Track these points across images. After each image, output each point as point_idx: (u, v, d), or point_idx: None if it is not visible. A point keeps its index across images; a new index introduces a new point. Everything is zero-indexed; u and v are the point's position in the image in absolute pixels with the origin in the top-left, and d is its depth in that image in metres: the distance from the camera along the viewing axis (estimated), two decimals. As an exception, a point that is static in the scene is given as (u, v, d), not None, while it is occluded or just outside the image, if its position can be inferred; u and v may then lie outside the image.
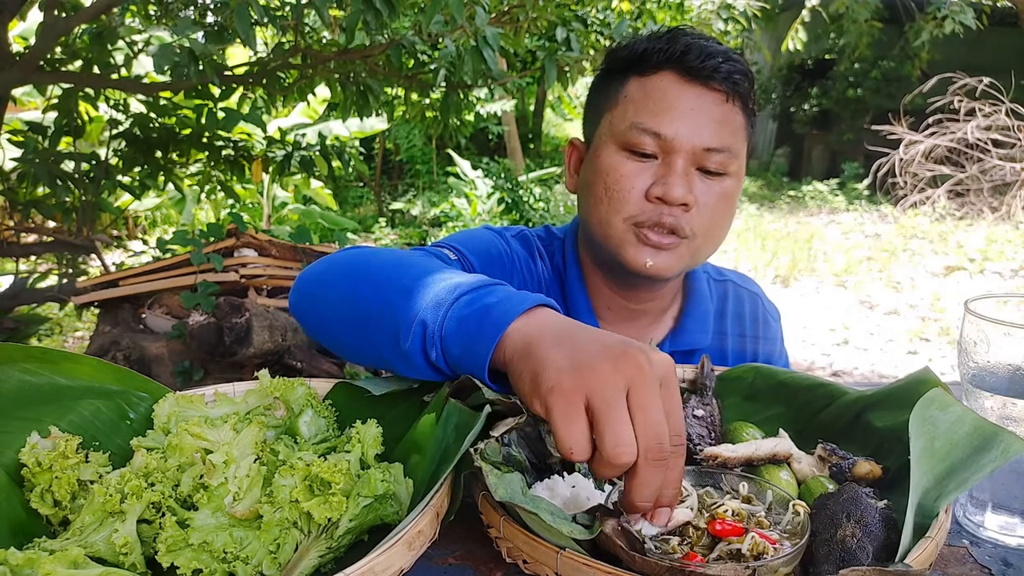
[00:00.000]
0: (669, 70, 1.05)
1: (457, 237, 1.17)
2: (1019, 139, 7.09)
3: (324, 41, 3.42)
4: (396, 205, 9.43)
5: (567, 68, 3.08)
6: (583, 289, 1.20)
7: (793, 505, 0.65)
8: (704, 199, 1.05)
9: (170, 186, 3.67)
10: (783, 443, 0.78)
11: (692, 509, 0.64)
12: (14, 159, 3.05)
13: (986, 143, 7.30)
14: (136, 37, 3.39)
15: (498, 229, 1.23)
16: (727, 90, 1.05)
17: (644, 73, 1.07)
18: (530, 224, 6.63)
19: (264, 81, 2.98)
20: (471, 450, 0.63)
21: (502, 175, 7.88)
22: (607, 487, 0.70)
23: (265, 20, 2.42)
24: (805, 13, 8.60)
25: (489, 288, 0.74)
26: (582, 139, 1.20)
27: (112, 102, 3.40)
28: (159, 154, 3.37)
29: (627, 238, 1.06)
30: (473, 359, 0.70)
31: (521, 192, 7.65)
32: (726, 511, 0.64)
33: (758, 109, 1.16)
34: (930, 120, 7.59)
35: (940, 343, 5.12)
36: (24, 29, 4.41)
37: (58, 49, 2.97)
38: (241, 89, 3.15)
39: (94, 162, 3.34)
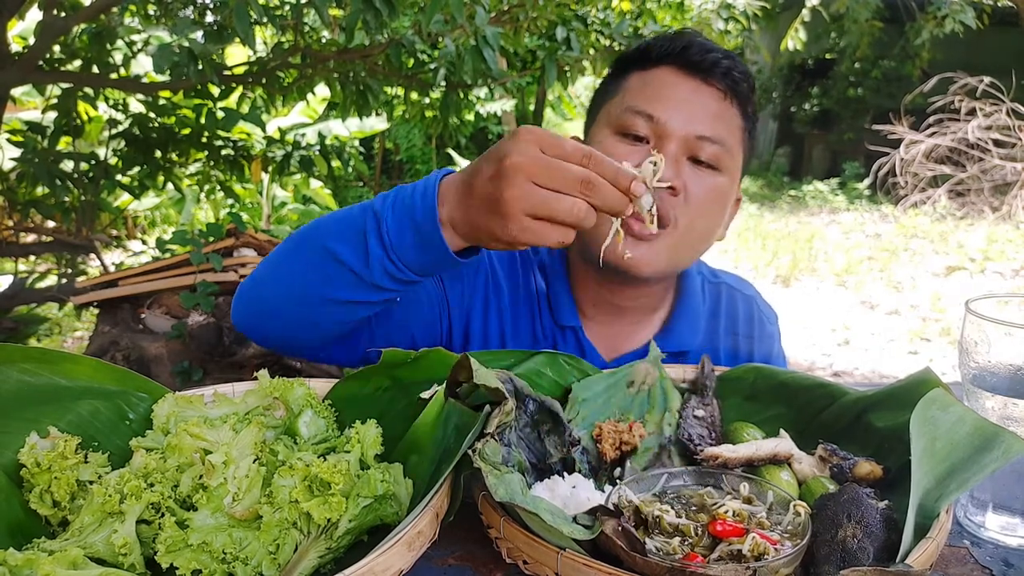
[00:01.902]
0: (669, 64, 1.06)
1: None
2: (1020, 139, 7.10)
3: (324, 40, 3.41)
4: (396, 205, 9.41)
5: (567, 68, 3.08)
6: (566, 286, 1.18)
7: (794, 506, 0.65)
8: (693, 189, 1.04)
9: (169, 186, 3.67)
10: (784, 443, 0.78)
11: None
12: (13, 159, 3.04)
13: (987, 143, 7.31)
14: (135, 37, 3.39)
15: None
16: (725, 87, 1.05)
17: (645, 67, 1.08)
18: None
19: (263, 81, 2.98)
20: (470, 451, 0.63)
21: (502, 175, 7.86)
22: (607, 487, 0.70)
23: (264, 19, 2.42)
24: (805, 12, 8.59)
25: (400, 192, 0.83)
26: (582, 137, 1.19)
27: (111, 102, 3.39)
28: (158, 154, 3.36)
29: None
30: (433, 256, 0.81)
31: (521, 192, 7.63)
32: (727, 511, 0.64)
33: (758, 109, 1.15)
34: (931, 120, 7.60)
35: (941, 343, 5.12)
36: (23, 28, 4.40)
37: (57, 48, 2.97)
38: (240, 89, 3.15)
39: (93, 162, 3.33)
